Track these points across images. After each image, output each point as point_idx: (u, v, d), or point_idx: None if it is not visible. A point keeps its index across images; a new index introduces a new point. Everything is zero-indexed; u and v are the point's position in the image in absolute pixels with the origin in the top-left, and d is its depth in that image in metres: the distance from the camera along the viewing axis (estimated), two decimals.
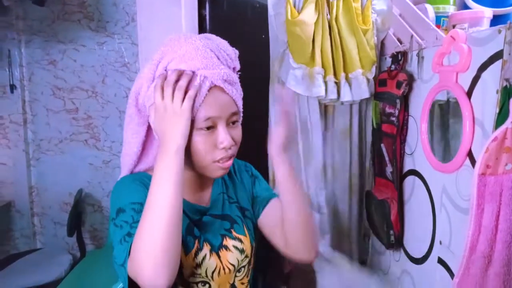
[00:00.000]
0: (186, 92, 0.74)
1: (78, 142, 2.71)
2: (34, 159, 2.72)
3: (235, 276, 0.88)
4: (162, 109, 0.74)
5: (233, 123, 0.81)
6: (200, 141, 0.76)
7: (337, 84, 1.34)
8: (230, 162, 0.81)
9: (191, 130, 0.75)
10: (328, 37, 1.31)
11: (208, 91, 0.75)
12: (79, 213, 2.56)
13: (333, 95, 1.32)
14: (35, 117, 2.67)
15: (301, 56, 1.31)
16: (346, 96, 1.32)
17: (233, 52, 0.84)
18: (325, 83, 1.33)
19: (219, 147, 0.77)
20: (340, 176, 1.46)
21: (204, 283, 0.83)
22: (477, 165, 0.76)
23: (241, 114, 0.85)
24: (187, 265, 0.80)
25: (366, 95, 1.33)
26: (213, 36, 0.82)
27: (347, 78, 1.34)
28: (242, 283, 0.90)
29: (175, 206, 0.69)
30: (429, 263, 1.09)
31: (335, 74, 1.33)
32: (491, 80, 0.81)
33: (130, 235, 0.70)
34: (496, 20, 1.13)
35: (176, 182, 0.70)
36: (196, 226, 0.84)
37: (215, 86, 0.76)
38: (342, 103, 1.37)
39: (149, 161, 0.89)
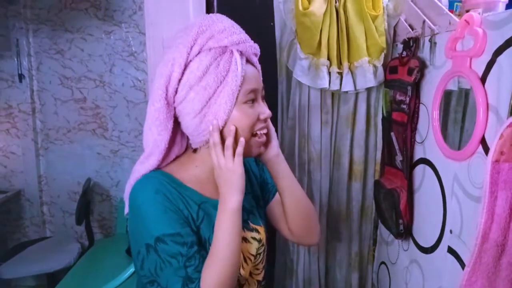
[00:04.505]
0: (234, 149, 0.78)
1: (86, 131, 2.72)
2: (43, 149, 2.74)
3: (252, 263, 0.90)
4: (218, 167, 0.78)
5: (262, 98, 0.84)
6: (246, 114, 0.79)
7: (340, 74, 1.32)
8: (265, 137, 0.84)
9: (236, 105, 0.78)
10: (335, 26, 1.29)
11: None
12: (87, 202, 2.58)
13: (335, 86, 1.32)
14: (43, 107, 2.69)
15: (308, 46, 1.30)
16: (347, 86, 1.32)
17: None
18: (329, 73, 1.32)
19: (261, 117, 0.81)
20: (340, 162, 1.46)
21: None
22: (491, 151, 0.74)
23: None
24: None
25: (371, 84, 1.32)
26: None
27: (351, 67, 1.33)
28: (257, 269, 0.91)
29: (239, 255, 0.76)
30: (438, 252, 1.07)
31: (339, 64, 1.32)
32: (507, 65, 0.78)
33: (191, 279, 0.72)
34: (511, 5, 1.09)
35: (239, 236, 0.77)
36: None
37: (247, 60, 0.80)
38: (346, 92, 1.36)
39: (170, 158, 0.86)
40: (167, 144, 0.81)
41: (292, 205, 0.91)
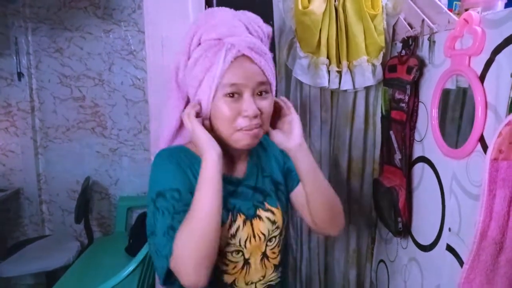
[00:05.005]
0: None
1: (85, 130, 2.72)
2: (42, 147, 2.74)
3: (266, 245, 0.90)
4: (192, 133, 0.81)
5: (261, 93, 0.82)
6: (225, 107, 0.79)
7: (339, 73, 1.33)
8: (255, 132, 0.81)
9: (217, 97, 0.79)
10: (335, 25, 1.30)
11: (235, 58, 0.79)
12: (86, 201, 2.58)
13: (334, 85, 1.33)
14: (42, 105, 2.69)
15: (308, 45, 1.30)
16: (346, 85, 1.32)
17: (266, 29, 0.87)
18: (328, 72, 1.32)
19: (243, 114, 0.79)
20: (339, 160, 1.46)
21: (238, 251, 0.86)
22: (490, 149, 0.75)
23: (273, 87, 0.86)
24: (222, 236, 0.82)
25: (370, 82, 1.32)
26: (248, 12, 0.87)
27: (350, 66, 1.33)
28: (273, 253, 0.92)
29: (216, 214, 0.75)
30: (437, 250, 1.08)
31: (338, 63, 1.33)
32: (506, 63, 0.79)
33: (173, 228, 0.74)
34: (510, 4, 1.09)
35: (217, 190, 0.76)
36: (231, 196, 0.88)
37: (243, 55, 0.79)
38: (345, 90, 1.36)
39: (187, 135, 0.92)
40: (179, 121, 0.89)
41: (314, 196, 0.90)
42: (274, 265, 0.92)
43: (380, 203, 1.36)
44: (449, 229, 1.01)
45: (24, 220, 2.79)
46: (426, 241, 1.14)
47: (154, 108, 1.31)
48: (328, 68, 1.33)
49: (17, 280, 2.67)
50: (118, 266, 1.78)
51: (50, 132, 2.72)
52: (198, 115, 0.83)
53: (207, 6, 1.31)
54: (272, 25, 1.38)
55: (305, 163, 0.88)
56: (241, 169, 0.93)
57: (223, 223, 0.83)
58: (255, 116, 0.79)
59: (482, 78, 0.86)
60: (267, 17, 1.37)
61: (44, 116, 2.70)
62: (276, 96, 0.92)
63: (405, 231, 1.25)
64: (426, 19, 1.13)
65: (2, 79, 2.62)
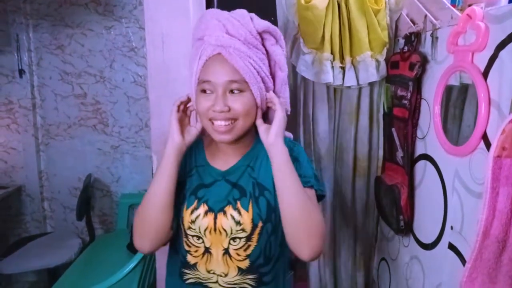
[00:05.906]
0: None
1: (87, 127, 2.71)
2: (43, 144, 2.73)
3: (230, 243, 0.89)
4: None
5: (233, 91, 0.85)
6: (200, 101, 0.86)
7: (343, 69, 1.31)
8: (222, 125, 0.85)
9: (197, 92, 0.87)
10: (338, 20, 1.28)
11: (211, 57, 0.84)
12: (88, 198, 2.58)
13: (338, 81, 1.31)
14: (43, 102, 2.68)
15: (312, 41, 1.29)
16: (350, 81, 1.31)
17: (254, 26, 0.85)
18: (332, 68, 1.31)
19: (211, 108, 0.84)
20: (344, 158, 1.44)
21: (198, 237, 0.91)
22: (493, 147, 0.74)
23: (252, 86, 0.85)
24: (185, 219, 0.91)
25: (374, 78, 1.31)
26: (238, 10, 0.88)
27: (353, 62, 1.31)
28: (238, 254, 0.90)
29: (162, 197, 0.87)
30: (439, 248, 1.07)
31: (341, 59, 1.31)
32: (509, 59, 0.77)
33: None
34: None
35: (167, 176, 0.87)
36: (207, 187, 0.93)
37: (219, 53, 0.83)
38: (349, 87, 1.35)
39: None
40: None
41: (282, 205, 0.84)
42: (239, 267, 0.90)
43: (382, 201, 1.35)
44: (451, 228, 1.00)
45: (25, 217, 2.79)
46: (428, 239, 1.14)
47: (154, 105, 1.30)
48: (331, 64, 1.31)
49: (19, 277, 2.68)
50: (120, 263, 1.78)
51: (51, 129, 2.72)
52: (185, 108, 0.93)
53: (208, 5, 1.30)
54: (275, 21, 1.37)
55: (274, 164, 0.85)
56: (228, 163, 0.94)
57: (188, 207, 0.92)
58: (223, 112, 0.83)
59: (485, 74, 0.85)
60: (270, 13, 1.36)
61: (46, 113, 2.70)
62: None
63: (407, 229, 1.24)
64: (428, 14, 1.12)
65: (3, 76, 2.61)
